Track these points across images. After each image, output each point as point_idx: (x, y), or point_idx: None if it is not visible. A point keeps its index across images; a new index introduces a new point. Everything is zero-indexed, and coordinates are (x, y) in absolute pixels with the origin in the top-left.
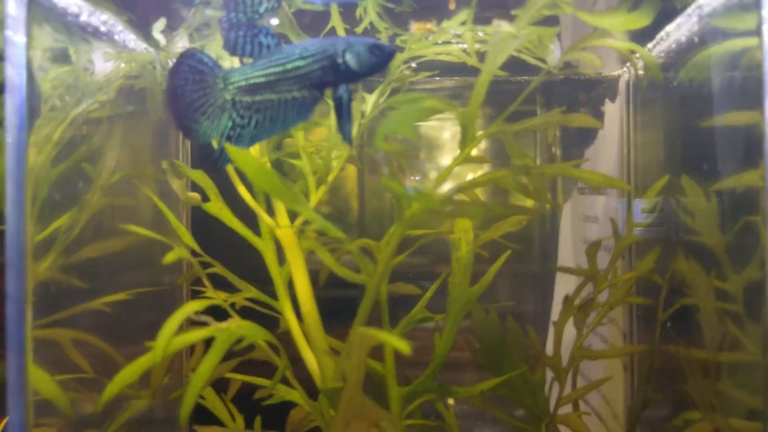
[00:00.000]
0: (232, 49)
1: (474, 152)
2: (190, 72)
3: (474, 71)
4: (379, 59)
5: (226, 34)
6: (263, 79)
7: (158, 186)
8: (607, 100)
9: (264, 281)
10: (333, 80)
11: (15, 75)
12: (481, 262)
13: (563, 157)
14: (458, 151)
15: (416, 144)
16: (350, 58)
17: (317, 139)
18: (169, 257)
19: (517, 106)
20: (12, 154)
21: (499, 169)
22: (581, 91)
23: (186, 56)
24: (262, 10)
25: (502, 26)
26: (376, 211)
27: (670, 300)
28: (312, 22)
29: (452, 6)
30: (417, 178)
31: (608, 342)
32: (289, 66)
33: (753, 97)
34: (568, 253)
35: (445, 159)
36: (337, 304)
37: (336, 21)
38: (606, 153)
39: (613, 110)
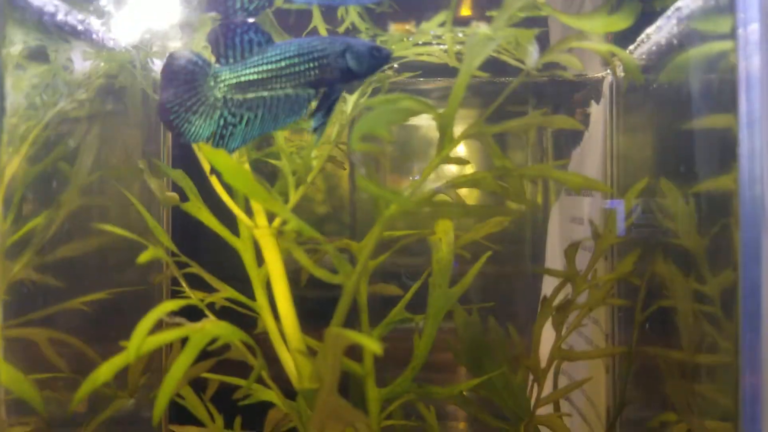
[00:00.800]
0: (220, 49)
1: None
2: (180, 71)
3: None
4: (377, 61)
5: (214, 34)
6: (255, 77)
7: (141, 185)
8: (592, 100)
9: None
10: (331, 79)
11: None
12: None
13: (555, 157)
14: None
15: (392, 144)
16: (350, 59)
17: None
18: (143, 257)
19: (499, 106)
20: None
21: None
22: (570, 93)
23: (176, 56)
24: (252, 7)
25: (479, 28)
26: (367, 210)
27: (649, 302)
28: (293, 22)
29: (431, 8)
30: (417, 177)
31: (592, 342)
32: (285, 63)
33: (728, 101)
34: (556, 254)
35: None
36: (324, 304)
37: (318, 21)
38: (591, 154)
39: (598, 112)
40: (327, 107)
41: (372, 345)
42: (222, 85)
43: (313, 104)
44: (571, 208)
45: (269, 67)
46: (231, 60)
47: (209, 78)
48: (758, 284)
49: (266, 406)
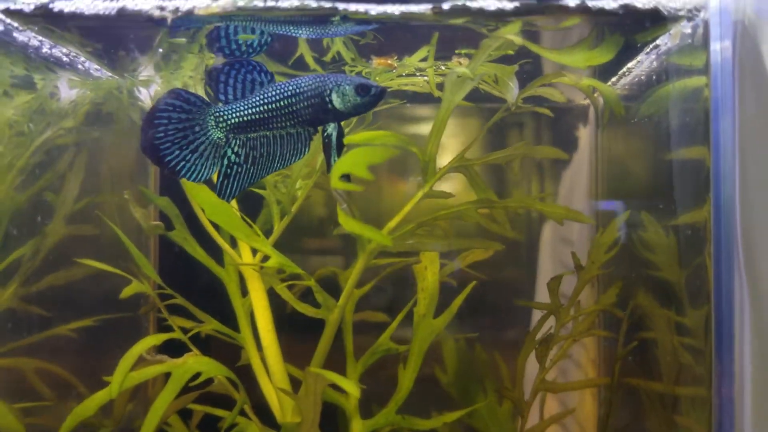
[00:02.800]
0: (220, 88)
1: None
2: (174, 111)
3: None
4: (368, 99)
5: (215, 72)
6: (257, 116)
7: (117, 212)
8: (580, 125)
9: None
10: (321, 118)
11: None
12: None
13: (546, 175)
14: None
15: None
16: (335, 98)
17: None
18: (126, 292)
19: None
20: None
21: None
22: (555, 121)
23: (170, 96)
24: (255, 44)
25: (458, 67)
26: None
27: (632, 333)
28: (281, 50)
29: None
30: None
31: (581, 368)
32: (283, 103)
33: (702, 133)
34: (547, 275)
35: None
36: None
37: (304, 49)
38: (580, 179)
39: (584, 137)
40: (329, 151)
41: (350, 388)
42: (224, 124)
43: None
44: (562, 229)
45: (270, 106)
46: (230, 99)
47: (209, 117)
48: (730, 314)
49: None
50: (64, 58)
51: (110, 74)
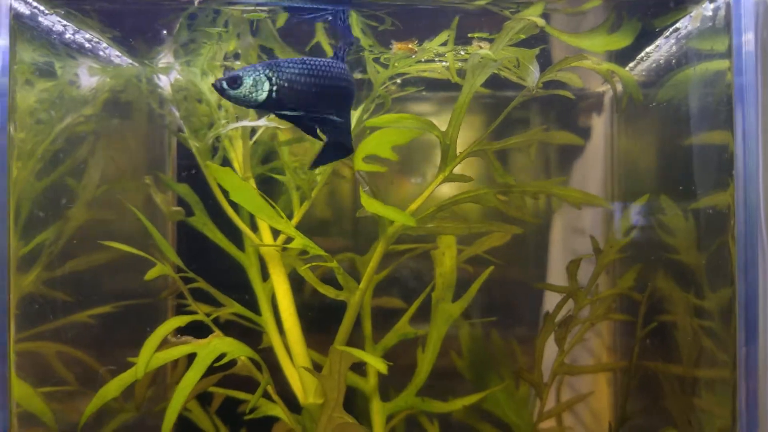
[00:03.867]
0: None
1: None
2: None
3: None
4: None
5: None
6: None
7: (147, 198)
8: (594, 113)
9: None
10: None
11: None
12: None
13: (559, 163)
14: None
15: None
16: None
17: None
18: (151, 274)
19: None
20: None
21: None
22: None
23: None
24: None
25: (481, 49)
26: (369, 219)
27: (650, 316)
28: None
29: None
30: (419, 180)
31: (595, 355)
32: None
33: (725, 118)
34: (558, 265)
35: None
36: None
37: (321, 36)
38: (594, 166)
39: (599, 125)
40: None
41: (377, 364)
42: None
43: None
44: (574, 219)
45: None
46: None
47: None
48: (755, 297)
49: (269, 419)
50: (86, 45)
51: (130, 61)
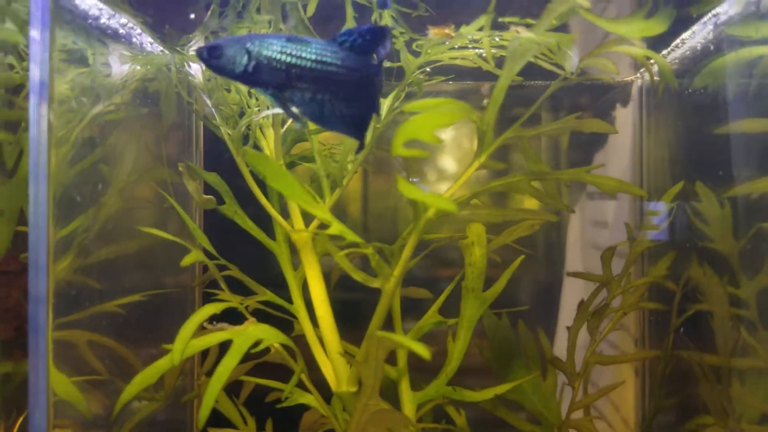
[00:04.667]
0: None
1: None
2: None
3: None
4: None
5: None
6: None
7: (164, 188)
8: (618, 104)
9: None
10: None
11: (38, 72)
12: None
13: (572, 159)
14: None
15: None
16: None
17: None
18: (187, 260)
19: (532, 110)
20: (35, 151)
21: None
22: (592, 96)
23: None
24: None
25: (522, 33)
26: (379, 212)
27: (682, 305)
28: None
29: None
30: (416, 179)
31: (617, 347)
32: None
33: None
34: (576, 257)
35: (445, 159)
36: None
37: (350, 23)
38: (617, 157)
39: (626, 115)
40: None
41: (420, 350)
42: None
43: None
44: (594, 212)
45: None
46: None
47: None
48: None
49: (293, 408)
50: (121, 30)
51: (162, 48)
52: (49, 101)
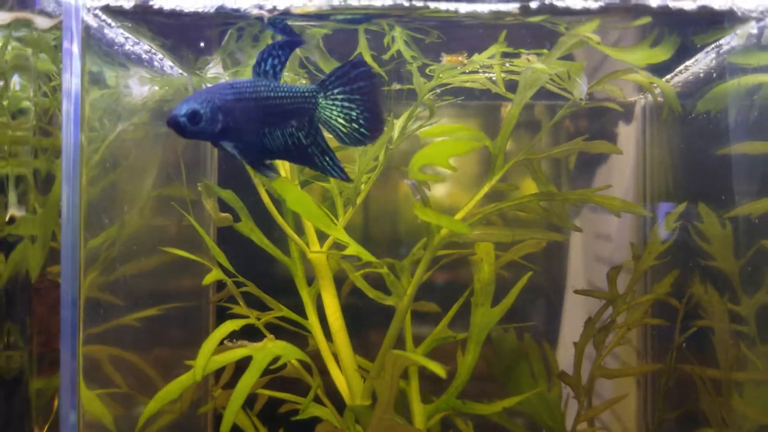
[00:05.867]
0: None
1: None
2: None
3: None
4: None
5: None
6: None
7: (181, 205)
8: (621, 122)
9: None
10: None
11: (72, 84)
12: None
13: (574, 175)
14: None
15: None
16: None
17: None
18: (209, 279)
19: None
20: (68, 164)
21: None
22: (597, 114)
23: None
24: None
25: (534, 62)
26: (379, 223)
27: (684, 321)
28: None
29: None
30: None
31: (621, 361)
32: None
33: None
34: (579, 271)
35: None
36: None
37: (363, 48)
38: (619, 175)
39: (629, 134)
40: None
41: (435, 368)
42: None
43: None
44: (596, 225)
45: None
46: None
47: None
48: None
49: (306, 421)
50: (144, 56)
51: (181, 71)
52: (81, 124)
